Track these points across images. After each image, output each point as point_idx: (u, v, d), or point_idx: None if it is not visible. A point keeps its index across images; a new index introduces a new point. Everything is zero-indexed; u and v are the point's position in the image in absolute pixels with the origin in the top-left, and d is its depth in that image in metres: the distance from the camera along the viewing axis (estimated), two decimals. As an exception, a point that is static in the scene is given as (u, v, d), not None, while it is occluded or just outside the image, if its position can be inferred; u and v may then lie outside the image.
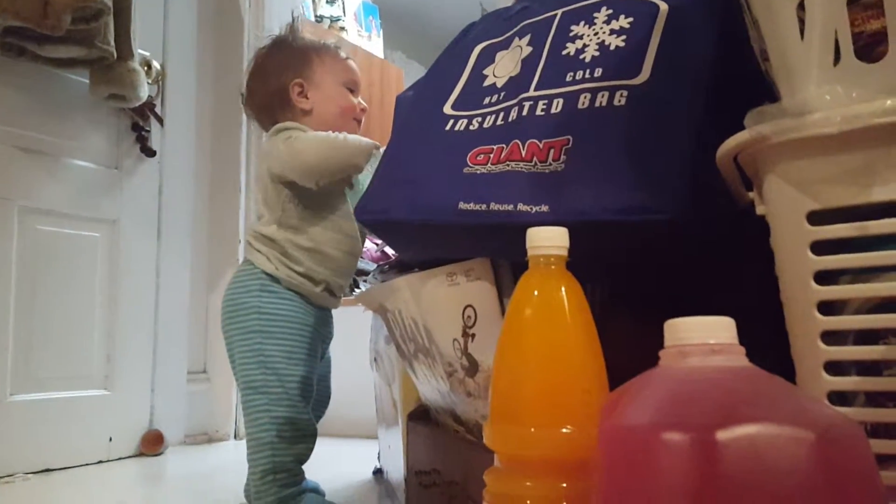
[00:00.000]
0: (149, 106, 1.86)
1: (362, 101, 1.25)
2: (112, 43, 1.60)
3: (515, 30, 0.82)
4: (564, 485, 0.46)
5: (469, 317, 0.79)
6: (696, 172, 0.60)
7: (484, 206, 0.69)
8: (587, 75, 0.70)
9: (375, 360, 1.40)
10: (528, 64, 0.76)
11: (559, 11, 0.79)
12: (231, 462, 1.75)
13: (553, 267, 0.51)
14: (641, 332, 0.47)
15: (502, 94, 0.77)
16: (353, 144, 1.10)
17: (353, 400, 1.64)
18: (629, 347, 0.49)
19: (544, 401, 0.48)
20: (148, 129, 1.87)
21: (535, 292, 0.51)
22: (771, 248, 0.50)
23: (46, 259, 1.63)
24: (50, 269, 1.63)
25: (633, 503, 0.35)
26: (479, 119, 0.77)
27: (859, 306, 0.46)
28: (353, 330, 1.46)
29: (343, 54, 1.26)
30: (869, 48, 0.46)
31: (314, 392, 1.13)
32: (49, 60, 1.58)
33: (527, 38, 0.79)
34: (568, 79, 0.71)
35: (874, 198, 0.45)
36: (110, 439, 1.73)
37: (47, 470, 1.57)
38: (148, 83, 1.79)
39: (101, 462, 1.69)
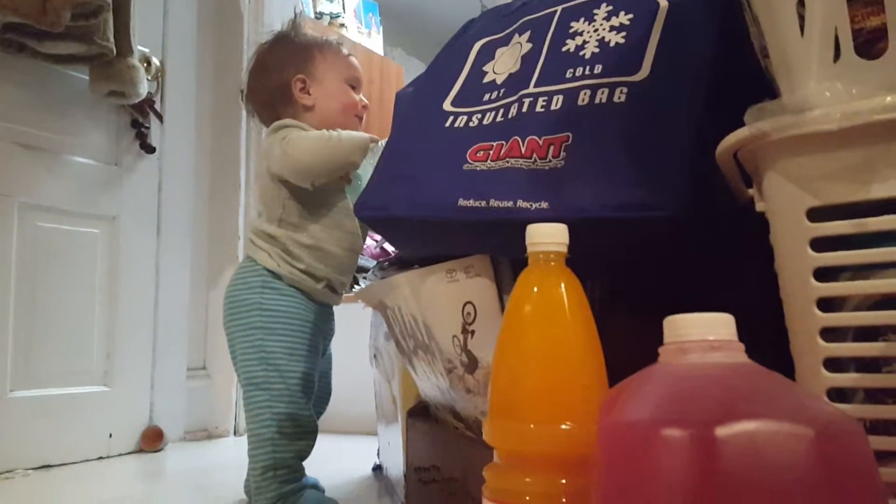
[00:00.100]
0: (148, 102, 1.85)
1: (364, 98, 1.25)
2: (111, 39, 1.60)
3: (515, 26, 0.82)
4: (564, 481, 0.46)
5: (468, 313, 0.79)
6: (696, 169, 0.60)
7: (484, 203, 0.69)
8: (587, 72, 0.70)
9: (375, 356, 1.40)
10: (528, 60, 0.76)
11: (559, 8, 0.79)
12: (231, 458, 1.75)
13: (553, 263, 0.51)
14: (641, 329, 0.47)
15: (502, 90, 0.77)
16: (347, 143, 1.09)
17: (352, 396, 1.64)
18: (629, 344, 0.49)
19: (544, 397, 0.48)
20: (147, 125, 1.87)
21: (535, 289, 0.51)
22: (770, 244, 0.50)
23: (46, 256, 1.63)
24: (50, 266, 1.63)
25: (633, 499, 0.35)
26: (479, 115, 0.77)
27: (859, 303, 0.46)
28: (353, 327, 1.46)
29: (345, 51, 1.26)
30: (869, 45, 0.46)
31: (315, 388, 1.13)
32: (48, 57, 1.58)
33: (527, 35, 0.79)
34: (568, 75, 0.71)
35: (874, 194, 0.45)
36: (110, 435, 1.73)
37: (47, 466, 1.57)
38: (147, 80, 1.79)
39: (100, 458, 1.69)
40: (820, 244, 0.46)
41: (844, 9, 0.45)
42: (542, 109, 0.70)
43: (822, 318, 0.46)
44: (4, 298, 1.53)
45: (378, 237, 1.25)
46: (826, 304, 0.46)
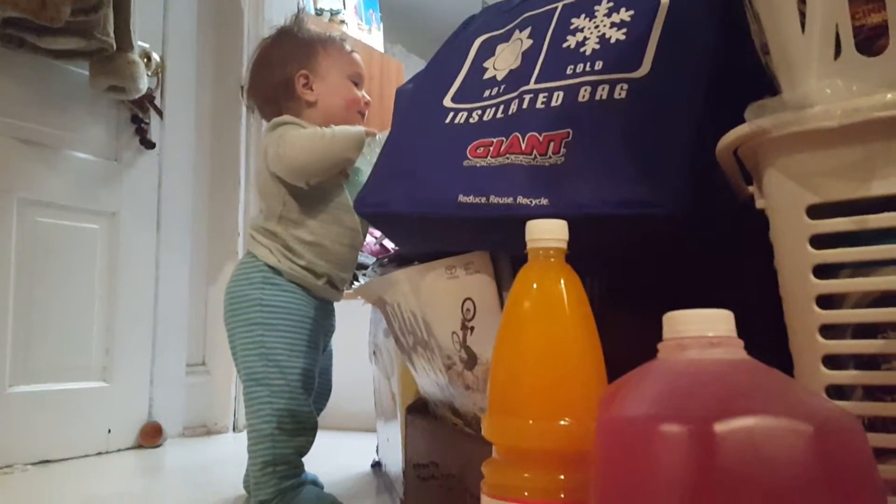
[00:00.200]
0: (148, 98, 1.85)
1: (366, 95, 1.25)
2: (111, 34, 1.60)
3: (516, 22, 0.82)
4: (562, 476, 0.46)
5: (468, 310, 0.79)
6: (696, 166, 0.60)
7: (483, 199, 0.69)
8: (587, 68, 0.70)
9: (374, 353, 1.40)
10: (529, 57, 0.76)
11: (560, 4, 0.78)
12: (230, 454, 1.75)
13: (552, 260, 0.51)
14: (640, 325, 0.47)
15: (502, 86, 0.77)
16: (340, 140, 1.09)
17: (351, 393, 1.64)
18: (628, 340, 0.49)
19: (543, 393, 0.48)
20: (147, 121, 1.87)
21: (534, 285, 0.51)
22: (770, 241, 0.50)
23: (46, 251, 1.63)
24: (49, 262, 1.63)
25: (631, 495, 0.35)
26: (479, 112, 0.77)
27: (858, 300, 0.46)
28: (353, 323, 1.46)
29: (348, 47, 1.26)
30: (870, 42, 0.46)
31: (315, 385, 1.13)
32: (48, 52, 1.57)
33: (527, 31, 0.79)
34: (568, 72, 0.71)
35: (874, 192, 0.45)
36: (109, 431, 1.73)
37: (46, 461, 1.57)
38: (147, 75, 1.78)
39: (99, 454, 1.69)
40: (820, 241, 0.46)
41: (845, 6, 0.45)
42: (543, 106, 0.70)
43: (821, 315, 0.46)
44: (4, 294, 1.53)
45: (377, 233, 1.25)
46: (825, 301, 0.46)
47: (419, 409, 1.04)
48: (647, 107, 0.65)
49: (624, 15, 0.71)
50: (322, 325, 1.16)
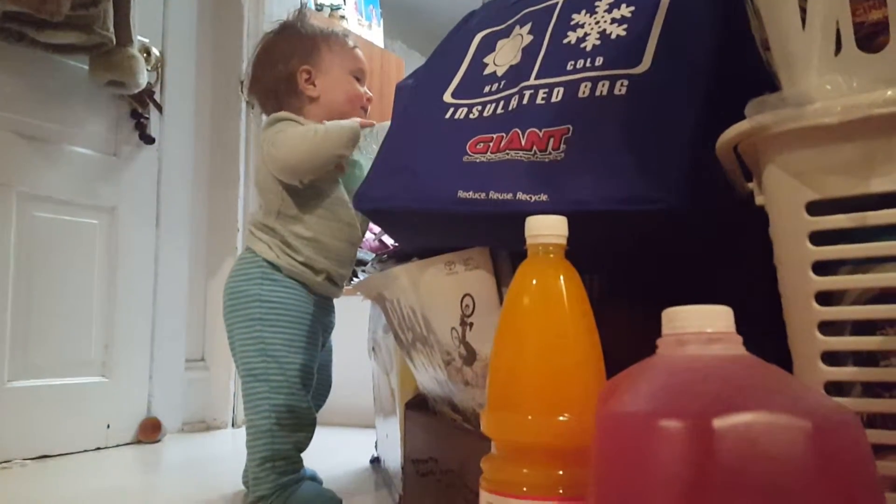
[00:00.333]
0: (148, 93, 1.85)
1: (368, 91, 1.25)
2: (111, 29, 1.60)
3: (516, 18, 0.82)
4: (561, 472, 0.46)
5: (467, 306, 0.79)
6: (696, 163, 0.60)
7: (483, 195, 0.69)
8: (588, 64, 0.70)
9: (373, 349, 1.40)
10: (529, 52, 0.76)
11: (560, 0, 0.78)
12: (229, 450, 1.75)
13: (552, 255, 0.51)
14: (639, 321, 0.47)
15: (503, 82, 0.77)
16: (331, 137, 1.08)
17: (351, 389, 1.64)
18: (627, 335, 0.49)
19: (541, 388, 0.48)
20: (147, 116, 1.86)
21: (534, 280, 0.51)
22: (770, 238, 0.50)
23: (44, 246, 1.63)
24: (48, 257, 1.63)
25: (630, 490, 0.35)
26: (479, 107, 0.77)
27: (857, 297, 0.46)
28: (352, 319, 1.46)
29: (351, 42, 1.25)
30: (870, 38, 0.45)
31: (314, 380, 1.13)
32: (48, 46, 1.57)
33: (528, 27, 0.79)
34: (569, 67, 0.71)
35: (873, 188, 0.44)
36: (108, 426, 1.73)
37: (45, 456, 1.57)
38: (147, 70, 1.78)
39: (98, 449, 1.70)
40: (819, 238, 0.46)
41: (846, 2, 0.45)
42: (543, 102, 0.70)
43: (820, 312, 0.46)
44: (3, 289, 1.53)
45: (376, 229, 1.25)
46: (824, 298, 0.46)
47: (418, 405, 1.04)
48: (648, 103, 0.65)
49: (625, 11, 0.71)
50: (321, 321, 1.16)
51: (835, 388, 0.46)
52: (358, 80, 1.23)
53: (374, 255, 1.26)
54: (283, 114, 1.14)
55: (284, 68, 1.20)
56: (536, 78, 0.73)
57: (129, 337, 1.81)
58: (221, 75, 2.13)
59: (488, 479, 0.50)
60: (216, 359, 2.06)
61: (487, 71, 0.80)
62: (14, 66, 1.58)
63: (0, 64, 1.56)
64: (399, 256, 0.98)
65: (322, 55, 1.21)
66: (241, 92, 1.31)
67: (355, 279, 1.26)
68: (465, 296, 0.80)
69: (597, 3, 0.74)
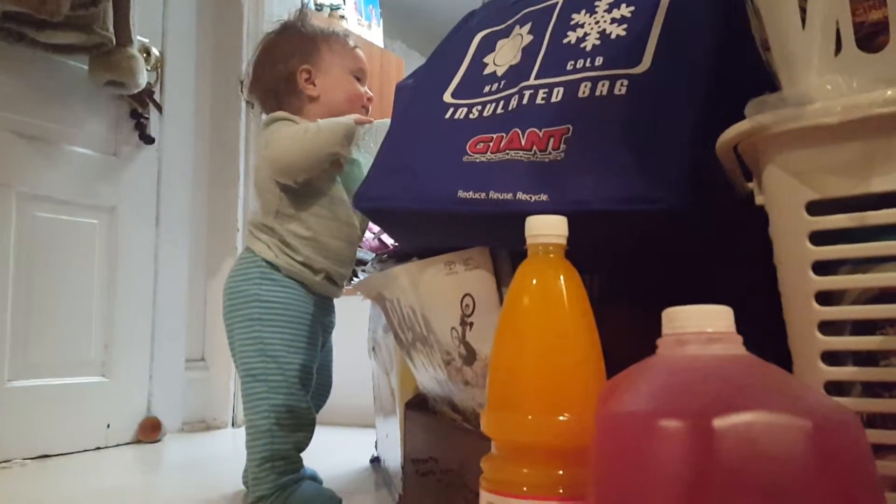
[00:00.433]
0: (148, 93, 1.85)
1: (369, 91, 1.25)
2: (111, 29, 1.60)
3: (516, 18, 0.82)
4: (561, 472, 0.46)
5: (467, 305, 0.79)
6: (696, 163, 0.60)
7: (483, 195, 0.69)
8: (588, 64, 0.70)
9: (373, 349, 1.40)
10: (529, 52, 0.76)
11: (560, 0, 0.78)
12: (229, 450, 1.75)
13: (552, 255, 0.51)
14: (639, 321, 0.47)
15: (502, 82, 0.77)
16: (326, 135, 1.07)
17: (351, 389, 1.64)
18: (627, 335, 0.49)
19: (541, 388, 0.48)
20: (147, 116, 1.86)
21: (534, 280, 0.51)
22: (770, 238, 0.50)
23: (44, 246, 1.63)
24: (48, 256, 1.63)
25: (630, 490, 0.35)
26: (479, 107, 0.77)
27: (857, 296, 0.46)
28: (352, 319, 1.46)
29: (352, 42, 1.26)
30: (870, 38, 0.45)
31: (314, 380, 1.13)
32: (47, 46, 1.57)
33: (528, 27, 0.79)
34: (568, 67, 0.71)
35: (873, 188, 0.44)
36: (108, 426, 1.73)
37: (45, 456, 1.57)
38: (147, 70, 1.78)
39: (98, 449, 1.70)
40: (819, 238, 0.46)
41: (846, 2, 0.45)
42: (543, 101, 0.70)
43: (820, 312, 0.46)
44: (3, 288, 1.53)
45: (376, 229, 1.25)
46: (824, 298, 0.46)
47: (418, 405, 1.04)
48: (647, 103, 0.65)
49: (625, 11, 0.71)
50: (321, 320, 1.16)
51: (835, 387, 0.46)
52: (358, 79, 1.23)
53: (373, 254, 1.26)
54: (279, 113, 1.14)
55: (284, 68, 1.20)
56: (536, 78, 0.73)
57: (129, 336, 1.81)
58: (221, 75, 2.13)
59: (488, 478, 0.50)
60: (216, 358, 2.06)
61: (487, 71, 0.80)
62: (14, 66, 1.58)
63: (0, 64, 1.56)
64: (399, 256, 0.98)
65: (322, 55, 1.21)
66: (241, 92, 1.30)
67: (355, 279, 1.26)
68: (465, 296, 0.80)
69: (597, 3, 0.74)
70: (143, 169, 1.89)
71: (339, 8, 2.87)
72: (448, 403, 0.91)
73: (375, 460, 1.46)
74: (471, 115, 0.77)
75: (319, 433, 1.12)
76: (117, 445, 1.74)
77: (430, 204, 0.74)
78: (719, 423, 0.33)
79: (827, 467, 0.33)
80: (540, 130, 0.68)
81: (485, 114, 0.76)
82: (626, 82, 0.66)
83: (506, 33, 0.82)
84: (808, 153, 0.47)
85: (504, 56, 0.79)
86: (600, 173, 0.63)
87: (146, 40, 1.85)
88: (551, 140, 0.67)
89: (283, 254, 1.11)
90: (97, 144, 1.76)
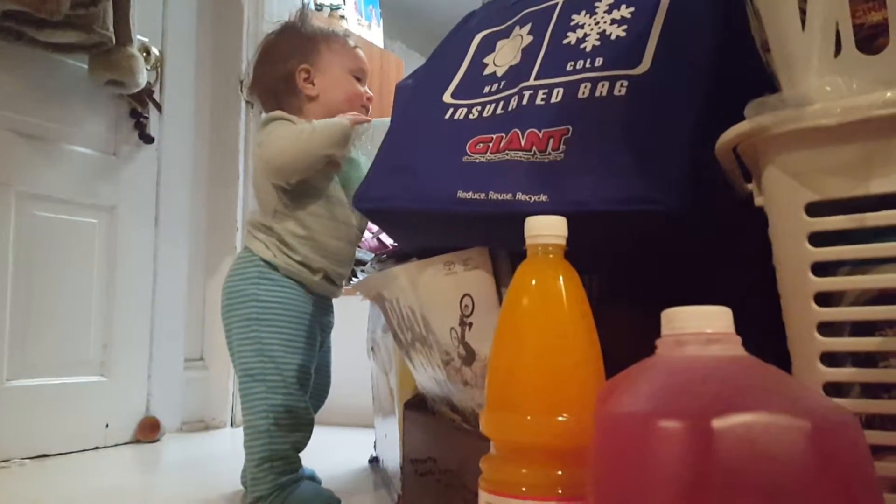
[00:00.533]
0: (147, 92, 1.85)
1: (368, 90, 1.25)
2: (111, 28, 1.59)
3: (516, 18, 0.82)
4: (560, 472, 0.46)
5: (466, 306, 0.79)
6: (696, 163, 0.60)
7: (482, 195, 0.69)
8: (588, 65, 0.70)
9: (372, 349, 1.40)
10: (529, 53, 0.76)
11: (560, 0, 0.78)
12: (227, 449, 1.75)
13: (551, 256, 0.51)
14: (638, 321, 0.47)
15: (502, 82, 0.77)
16: (320, 136, 1.07)
17: (349, 389, 1.64)
18: (626, 336, 0.49)
19: (540, 389, 0.48)
20: (146, 115, 1.86)
21: (533, 281, 0.51)
22: (769, 239, 0.50)
23: (44, 245, 1.62)
24: (47, 256, 1.63)
25: (629, 491, 0.35)
26: (479, 108, 0.77)
27: (856, 298, 0.46)
28: (351, 319, 1.46)
29: (352, 42, 1.25)
30: (869, 40, 0.46)
31: (312, 380, 1.13)
32: (47, 45, 1.57)
33: (528, 27, 0.79)
34: (568, 68, 0.71)
35: (872, 190, 0.44)
36: (107, 426, 1.73)
37: (43, 455, 1.57)
38: (147, 69, 1.78)
39: (97, 448, 1.70)
40: (818, 239, 0.46)
41: (846, 4, 0.45)
42: (543, 102, 0.70)
43: (819, 313, 0.46)
44: (2, 288, 1.53)
45: (375, 229, 1.25)
46: (823, 299, 0.46)
47: (417, 405, 1.04)
48: (647, 104, 0.65)
49: (624, 11, 0.71)
50: (319, 320, 1.16)
51: (834, 388, 0.46)
52: (358, 79, 1.23)
53: (372, 254, 1.26)
54: (276, 113, 1.14)
55: (284, 67, 1.20)
56: (536, 78, 0.73)
57: (128, 336, 1.81)
58: (221, 75, 2.13)
59: (487, 479, 0.50)
60: (215, 358, 2.06)
61: (487, 71, 0.80)
62: (13, 65, 1.58)
63: (0, 63, 1.56)
64: (398, 256, 0.98)
65: (322, 54, 1.21)
66: (241, 92, 1.30)
67: (354, 279, 1.26)
68: (464, 296, 0.80)
69: (596, 4, 0.74)
70: (143, 168, 1.89)
71: (339, 8, 2.87)
72: (447, 404, 0.91)
73: (374, 460, 1.46)
74: (470, 116, 0.77)
75: (318, 433, 1.12)
76: (116, 445, 1.74)
77: (429, 204, 0.74)
78: (718, 423, 0.33)
79: (826, 468, 0.33)
80: (540, 131, 0.68)
81: (484, 114, 0.76)
82: (625, 83, 0.66)
83: (506, 34, 0.82)
84: (808, 154, 0.47)
85: (504, 56, 0.80)
86: (600, 174, 0.63)
87: (146, 40, 1.85)
88: (551, 140, 0.67)
89: (281, 253, 1.11)
90: (97, 144, 1.76)
